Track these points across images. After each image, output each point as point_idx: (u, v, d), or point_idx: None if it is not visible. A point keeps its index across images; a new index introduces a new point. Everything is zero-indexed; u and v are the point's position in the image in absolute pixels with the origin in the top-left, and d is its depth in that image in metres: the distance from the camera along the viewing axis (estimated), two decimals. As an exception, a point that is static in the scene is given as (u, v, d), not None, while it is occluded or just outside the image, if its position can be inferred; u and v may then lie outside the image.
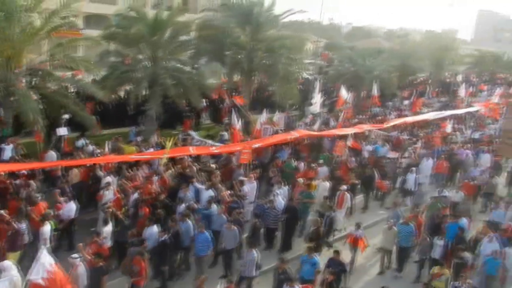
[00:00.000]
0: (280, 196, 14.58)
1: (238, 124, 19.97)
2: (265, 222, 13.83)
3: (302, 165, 17.91)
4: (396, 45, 41.69)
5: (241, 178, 15.55)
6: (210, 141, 19.64)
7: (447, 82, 42.93)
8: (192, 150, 17.03)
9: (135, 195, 13.46)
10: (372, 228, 15.90)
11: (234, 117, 20.17)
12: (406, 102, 34.18)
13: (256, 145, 17.84)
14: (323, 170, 17.77)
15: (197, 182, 14.78)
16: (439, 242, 12.87)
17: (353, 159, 19.39)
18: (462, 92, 29.98)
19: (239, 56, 23.60)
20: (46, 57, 18.56)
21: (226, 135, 21.20)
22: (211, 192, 14.06)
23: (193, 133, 20.85)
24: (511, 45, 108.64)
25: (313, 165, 17.89)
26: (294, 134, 19.99)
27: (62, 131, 18.69)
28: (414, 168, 18.53)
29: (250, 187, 15.14)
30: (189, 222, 12.17)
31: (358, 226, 13.34)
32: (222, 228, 12.42)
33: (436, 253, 12.83)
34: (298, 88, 26.86)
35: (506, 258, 12.33)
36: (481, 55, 52.63)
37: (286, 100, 24.88)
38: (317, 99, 25.40)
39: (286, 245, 13.98)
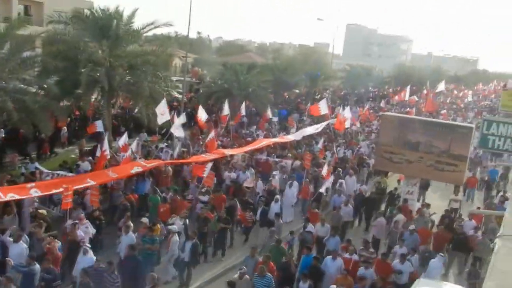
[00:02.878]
0: (91, 252, 12.32)
1: (106, 150, 18.96)
2: None
3: (170, 197, 16.87)
4: (269, 60, 43.48)
5: (74, 221, 13.71)
6: (64, 172, 18.01)
7: (317, 98, 45.92)
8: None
9: None
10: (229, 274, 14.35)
11: (106, 142, 19.30)
12: (275, 119, 34.96)
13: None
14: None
15: (8, 234, 12.69)
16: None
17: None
18: (324, 108, 31.01)
19: (97, 74, 22.61)
20: None
21: (85, 165, 19.87)
22: (22, 246, 12.04)
23: (39, 166, 18.82)
24: (380, 59, 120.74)
25: (190, 196, 17.40)
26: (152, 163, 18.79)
27: None
28: (278, 196, 17.86)
29: (85, 232, 13.50)
30: None
31: None
32: None
33: None
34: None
35: None
36: (353, 69, 57.45)
37: (154, 123, 24.25)
38: (178, 121, 24.04)
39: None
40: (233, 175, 20.64)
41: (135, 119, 28.38)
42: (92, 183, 15.74)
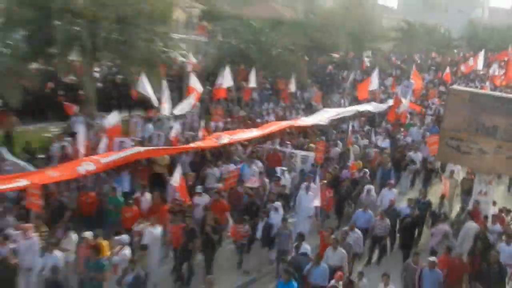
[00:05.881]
0: None
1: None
2: None
3: (147, 198, 16.58)
4: (301, 15, 43.40)
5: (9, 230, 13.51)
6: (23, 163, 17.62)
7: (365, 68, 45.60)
8: None
9: None
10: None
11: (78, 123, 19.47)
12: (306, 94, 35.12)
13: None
14: (203, 199, 16.91)
15: None
16: None
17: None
18: (374, 82, 30.18)
19: (76, 28, 22.79)
20: None
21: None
22: None
23: (3, 150, 18.49)
24: (446, 14, 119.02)
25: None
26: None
27: None
28: (278, 203, 16.70)
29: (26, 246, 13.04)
30: None
31: None
32: None
33: None
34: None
35: None
36: (411, 28, 56.93)
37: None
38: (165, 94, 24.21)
39: None
40: (232, 166, 19.80)
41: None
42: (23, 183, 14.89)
